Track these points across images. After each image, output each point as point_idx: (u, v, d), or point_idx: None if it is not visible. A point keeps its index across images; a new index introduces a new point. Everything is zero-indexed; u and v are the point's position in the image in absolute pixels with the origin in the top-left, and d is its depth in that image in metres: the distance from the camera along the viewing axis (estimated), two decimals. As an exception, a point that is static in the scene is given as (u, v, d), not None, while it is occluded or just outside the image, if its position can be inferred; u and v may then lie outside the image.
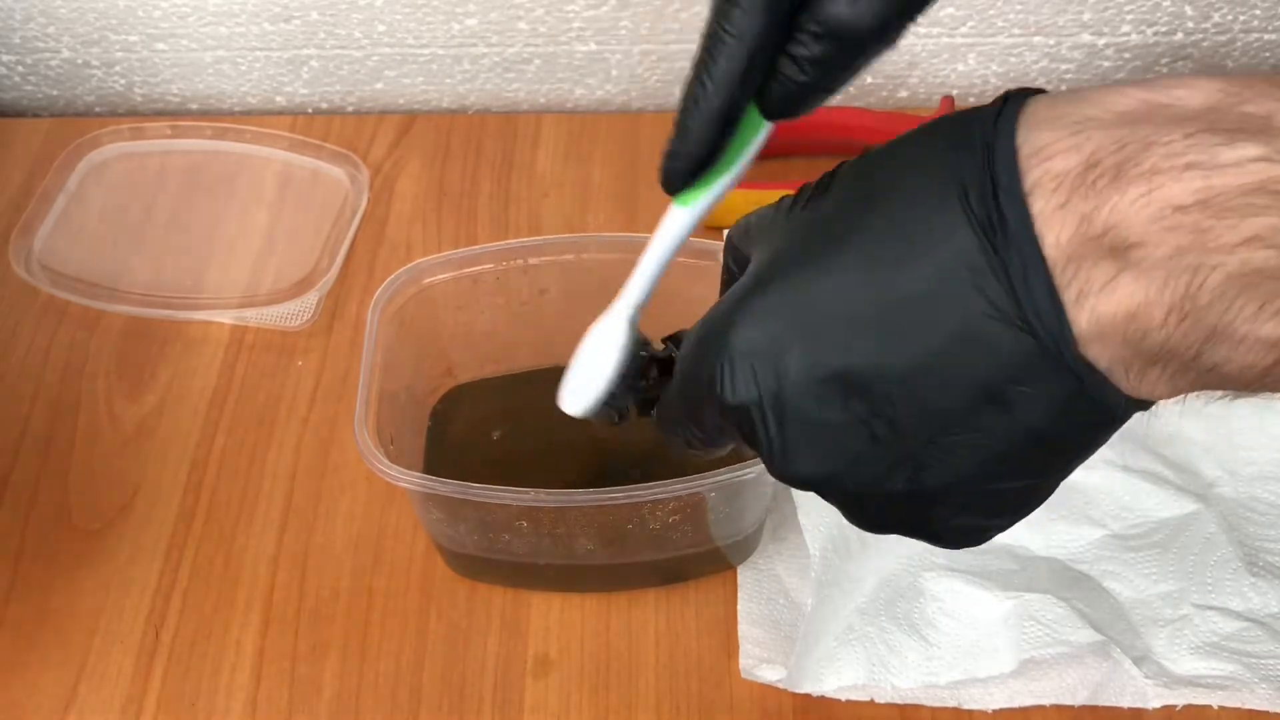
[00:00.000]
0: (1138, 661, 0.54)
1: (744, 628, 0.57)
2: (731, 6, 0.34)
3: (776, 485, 0.57)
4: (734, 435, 0.36)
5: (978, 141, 0.30)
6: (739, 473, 0.51)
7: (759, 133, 0.37)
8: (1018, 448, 0.31)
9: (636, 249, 0.57)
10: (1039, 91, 0.31)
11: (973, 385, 0.30)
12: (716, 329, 0.34)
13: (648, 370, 0.41)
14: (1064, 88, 0.82)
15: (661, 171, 0.37)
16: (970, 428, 0.31)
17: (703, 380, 0.35)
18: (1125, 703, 0.54)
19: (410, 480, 0.52)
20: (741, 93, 0.35)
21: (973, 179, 0.30)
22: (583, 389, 0.40)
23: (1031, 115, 0.30)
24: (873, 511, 0.35)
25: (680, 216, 0.38)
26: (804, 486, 0.35)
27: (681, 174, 0.37)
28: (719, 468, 0.51)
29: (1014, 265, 0.29)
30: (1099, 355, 0.29)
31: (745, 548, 0.59)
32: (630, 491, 0.51)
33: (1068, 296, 0.29)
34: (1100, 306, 0.28)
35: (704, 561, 0.59)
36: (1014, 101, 0.31)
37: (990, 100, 0.31)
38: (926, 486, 0.33)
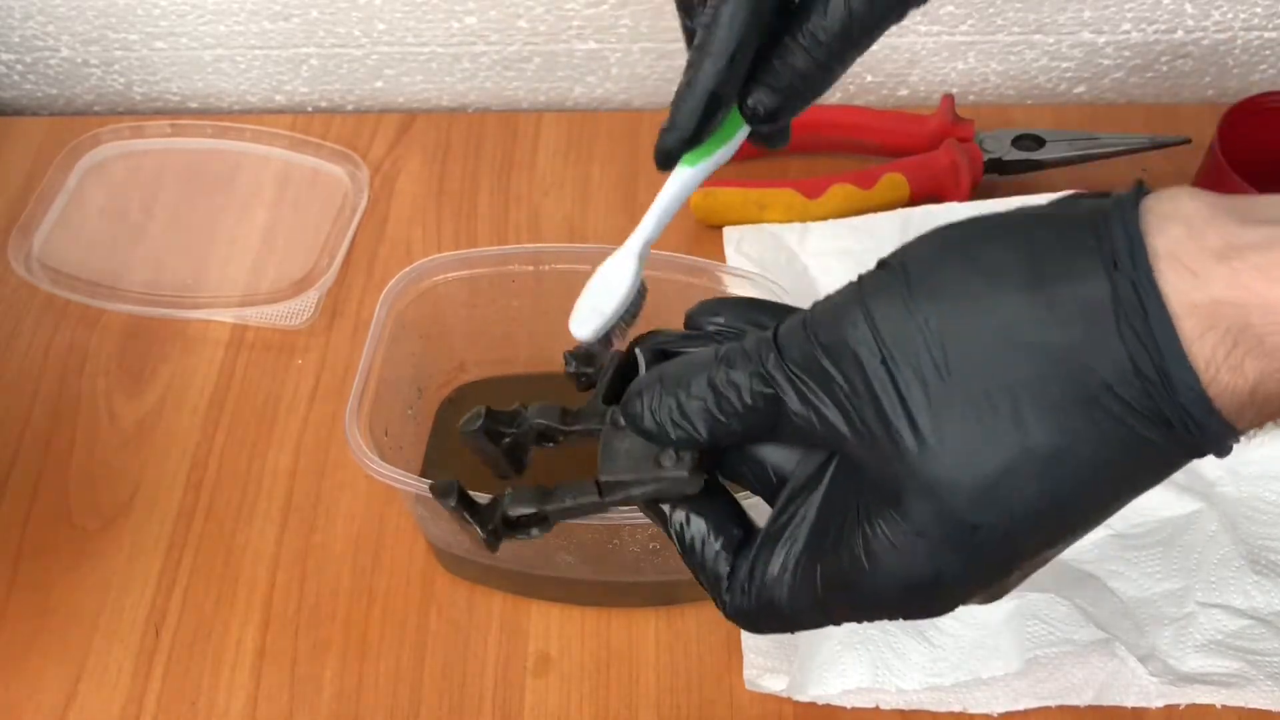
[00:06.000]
0: (1143, 659, 0.54)
1: (747, 638, 0.57)
2: (715, 26, 0.38)
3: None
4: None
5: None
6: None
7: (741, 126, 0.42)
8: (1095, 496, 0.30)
9: (653, 265, 0.58)
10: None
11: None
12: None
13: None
14: (1064, 85, 0.82)
15: (657, 147, 0.41)
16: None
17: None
18: (1130, 702, 0.54)
19: (382, 473, 0.52)
20: (725, 82, 0.39)
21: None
22: (592, 313, 0.42)
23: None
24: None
25: (685, 174, 0.43)
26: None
27: (674, 145, 0.40)
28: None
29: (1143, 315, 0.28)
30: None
31: None
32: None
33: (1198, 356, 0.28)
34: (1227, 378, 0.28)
35: (699, 585, 0.58)
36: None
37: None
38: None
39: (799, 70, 0.38)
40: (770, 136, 0.43)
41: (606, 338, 0.43)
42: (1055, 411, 0.29)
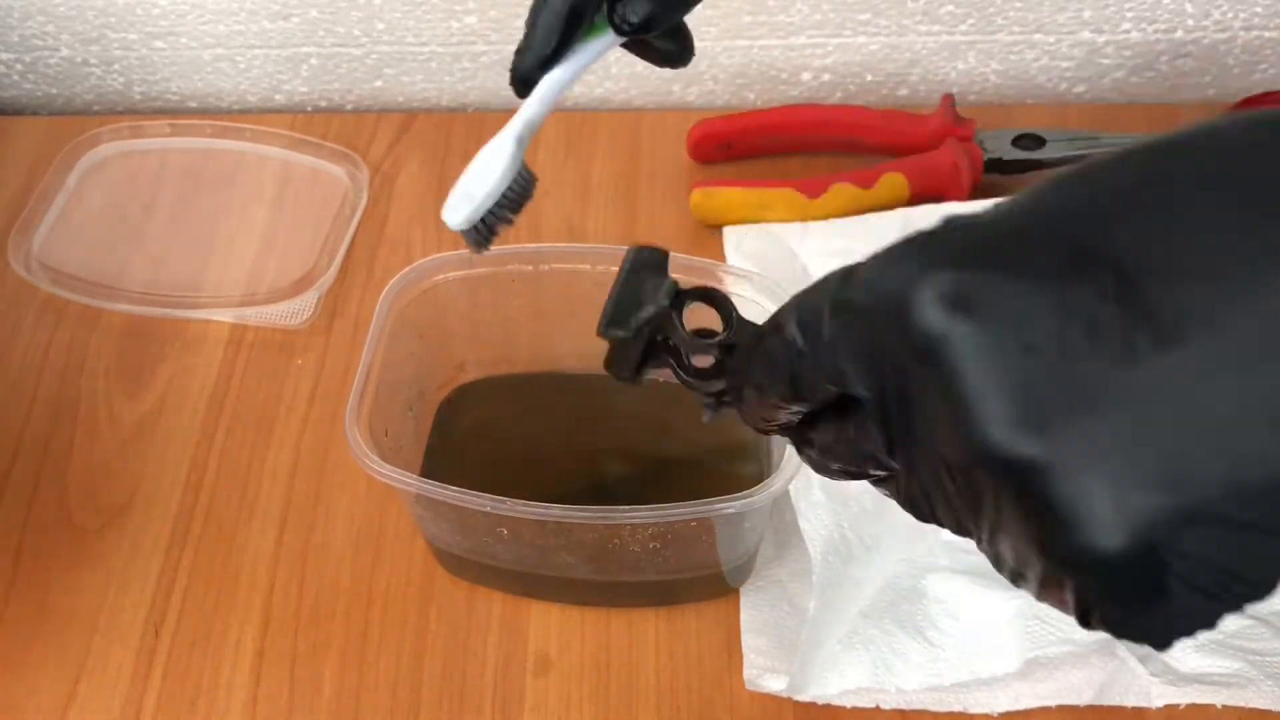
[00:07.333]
0: (1143, 659, 0.54)
1: (748, 638, 0.57)
2: None
3: (775, 500, 0.56)
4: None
5: None
6: (715, 508, 0.50)
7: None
8: None
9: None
10: None
11: None
12: None
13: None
14: (1064, 85, 0.82)
15: (512, 70, 0.38)
16: None
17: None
18: (1130, 702, 0.54)
19: (385, 474, 0.52)
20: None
21: None
22: (461, 201, 0.40)
23: None
24: None
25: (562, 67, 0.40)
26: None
27: (530, 68, 0.38)
28: (702, 498, 0.50)
29: None
30: None
31: (744, 571, 0.59)
32: (603, 512, 0.50)
33: None
34: None
35: (700, 585, 0.59)
36: None
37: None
38: None
39: None
40: (663, 53, 0.39)
41: (486, 230, 0.40)
42: None
